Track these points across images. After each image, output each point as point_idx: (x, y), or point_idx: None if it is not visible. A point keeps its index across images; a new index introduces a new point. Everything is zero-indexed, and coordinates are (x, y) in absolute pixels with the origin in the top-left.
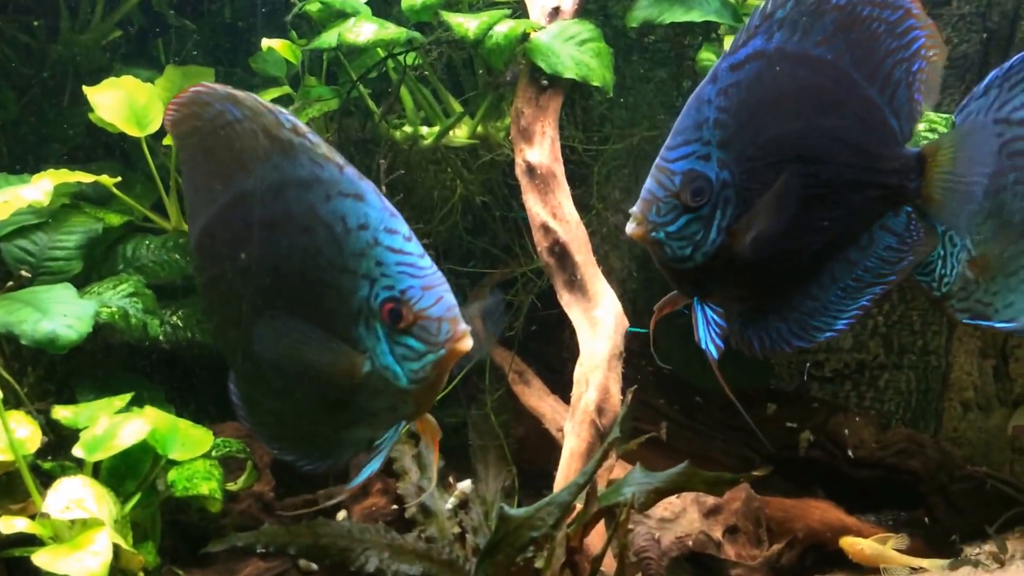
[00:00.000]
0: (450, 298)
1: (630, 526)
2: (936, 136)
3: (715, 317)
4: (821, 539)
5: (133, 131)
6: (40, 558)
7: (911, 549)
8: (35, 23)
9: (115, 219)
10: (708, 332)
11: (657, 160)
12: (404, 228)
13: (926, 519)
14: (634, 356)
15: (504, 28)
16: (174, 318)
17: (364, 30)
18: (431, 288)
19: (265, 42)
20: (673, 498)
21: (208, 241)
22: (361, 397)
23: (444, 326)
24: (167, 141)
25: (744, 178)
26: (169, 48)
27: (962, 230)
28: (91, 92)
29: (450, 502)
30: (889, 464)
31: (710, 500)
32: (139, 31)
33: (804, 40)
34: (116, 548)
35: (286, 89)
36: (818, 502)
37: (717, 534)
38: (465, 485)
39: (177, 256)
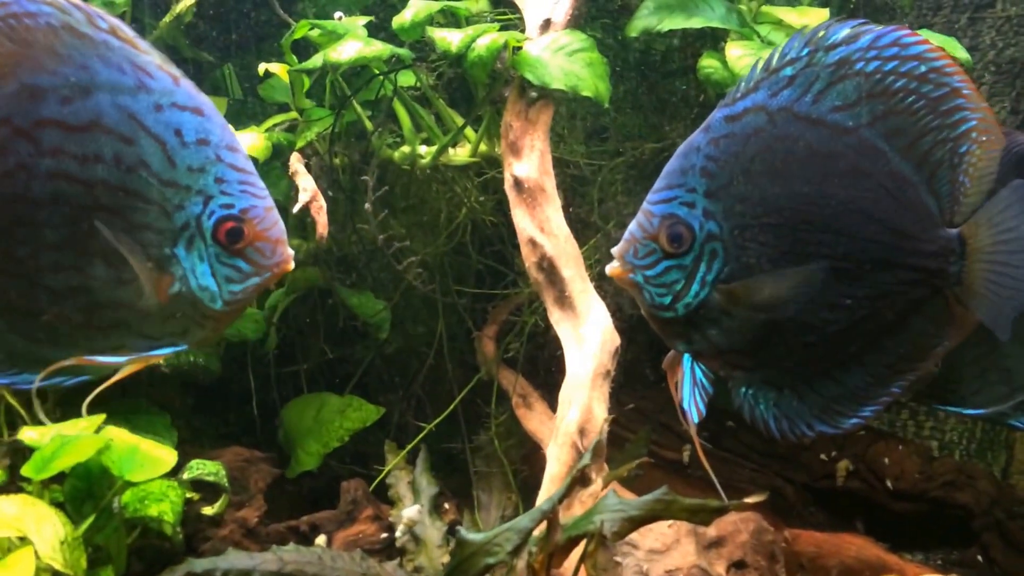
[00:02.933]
0: (282, 222)
1: (617, 558)
2: None
3: (703, 380)
4: None
5: None
6: None
7: None
8: None
9: None
10: (693, 393)
11: (643, 203)
12: (243, 148)
13: (980, 558)
14: (663, 379)
15: (486, 40)
16: None
17: (347, 49)
18: (271, 210)
19: (263, 66)
20: (665, 527)
21: None
22: (154, 320)
23: (278, 249)
24: None
25: (736, 234)
26: (201, 80)
27: (1006, 329)
28: None
29: (398, 531)
30: (934, 497)
31: (711, 532)
32: None
33: (818, 103)
34: (53, 570)
35: (293, 114)
36: (854, 537)
37: (719, 568)
38: (412, 512)
39: None
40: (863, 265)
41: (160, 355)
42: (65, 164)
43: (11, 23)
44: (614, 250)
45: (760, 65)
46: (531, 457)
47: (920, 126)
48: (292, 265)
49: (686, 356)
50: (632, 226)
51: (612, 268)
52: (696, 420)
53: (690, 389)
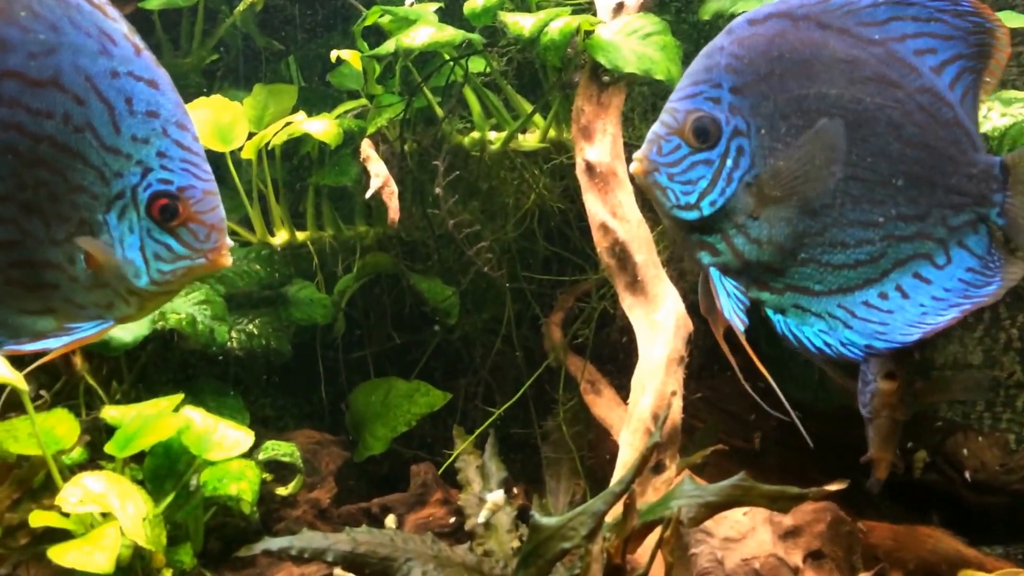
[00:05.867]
0: (223, 211)
1: (695, 549)
2: None
3: (736, 292)
4: (935, 572)
5: (218, 147)
6: (54, 550)
7: None
8: None
9: None
10: (731, 304)
11: (667, 103)
12: (193, 128)
13: None
14: (729, 368)
15: (559, 24)
16: (250, 326)
17: (420, 34)
18: (211, 194)
19: (334, 53)
20: (740, 516)
21: None
22: (81, 286)
23: (213, 235)
24: (245, 155)
25: (763, 133)
26: (273, 67)
27: None
28: None
29: (482, 515)
30: (1016, 490)
31: (787, 521)
32: (242, 54)
33: (844, 17)
34: (136, 545)
35: (364, 101)
36: (931, 530)
37: (795, 559)
38: (497, 496)
39: (258, 267)
40: (896, 179)
41: (87, 336)
42: (19, 116)
43: None
44: (636, 153)
45: None
46: (599, 444)
47: (948, 48)
48: (229, 258)
49: (713, 270)
50: (655, 125)
51: (635, 167)
52: (742, 328)
53: (726, 301)
